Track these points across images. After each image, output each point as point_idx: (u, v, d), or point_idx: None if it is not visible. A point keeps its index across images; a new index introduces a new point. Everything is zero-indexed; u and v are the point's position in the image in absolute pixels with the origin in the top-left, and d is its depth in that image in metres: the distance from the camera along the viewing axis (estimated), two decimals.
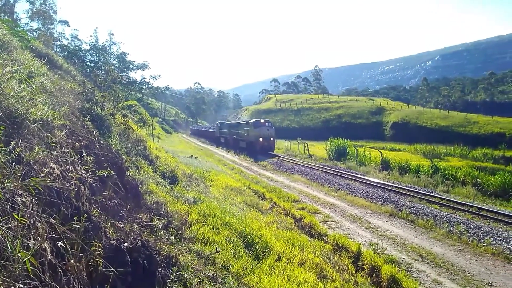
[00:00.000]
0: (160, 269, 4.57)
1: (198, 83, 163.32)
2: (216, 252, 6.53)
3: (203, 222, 8.04)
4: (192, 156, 27.36)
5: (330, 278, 7.83)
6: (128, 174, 7.71)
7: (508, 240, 12.32)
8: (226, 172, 22.25)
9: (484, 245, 12.33)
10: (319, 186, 22.53)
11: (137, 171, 9.82)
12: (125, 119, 12.94)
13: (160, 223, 6.39)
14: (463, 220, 14.49)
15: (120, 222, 4.97)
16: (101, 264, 3.50)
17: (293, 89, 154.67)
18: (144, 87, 57.44)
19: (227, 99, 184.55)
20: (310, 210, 16.13)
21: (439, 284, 9.36)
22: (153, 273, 4.26)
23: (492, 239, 12.66)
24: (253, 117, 75.70)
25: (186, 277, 5.02)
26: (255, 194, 16.55)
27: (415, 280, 9.41)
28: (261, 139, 41.28)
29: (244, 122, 47.40)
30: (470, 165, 33.06)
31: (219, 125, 62.58)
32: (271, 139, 42.31)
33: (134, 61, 54.39)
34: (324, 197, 19.58)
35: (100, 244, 3.65)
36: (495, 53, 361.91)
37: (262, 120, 45.10)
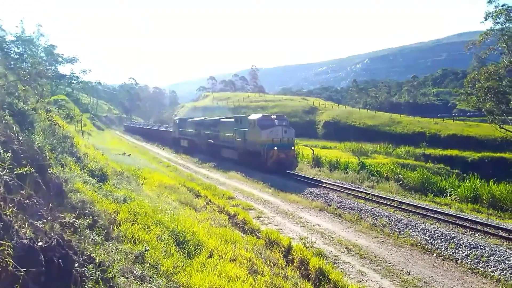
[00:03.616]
0: (78, 268, 4.45)
1: (133, 79, 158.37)
2: (145, 251, 6.43)
3: (133, 221, 7.88)
4: (125, 153, 26.57)
5: (261, 272, 8.01)
6: (51, 172, 7.34)
7: (425, 232, 13.30)
8: (160, 170, 21.88)
9: (404, 237, 13.23)
10: (254, 183, 22.84)
11: (62, 168, 9.39)
12: (49, 114, 12.27)
13: (85, 222, 6.17)
14: (385, 214, 15.42)
15: (39, 221, 4.75)
16: (11, 264, 3.35)
17: (230, 87, 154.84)
18: (73, 81, 54.78)
19: (163, 96, 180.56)
20: (244, 207, 16.33)
21: (363, 274, 9.92)
22: (69, 272, 4.14)
23: (411, 231, 13.60)
24: (189, 114, 73.15)
25: (111, 277, 4.91)
26: (189, 191, 16.46)
27: (341, 271, 9.90)
28: (275, 149, 25.31)
29: (234, 119, 31.42)
30: (394, 162, 35.24)
31: (178, 122, 47.76)
32: (292, 148, 26.75)
33: (63, 54, 51.73)
34: (259, 193, 19.90)
35: (10, 244, 3.49)
36: (418, 58, 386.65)
37: (273, 116, 28.12)
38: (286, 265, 9.61)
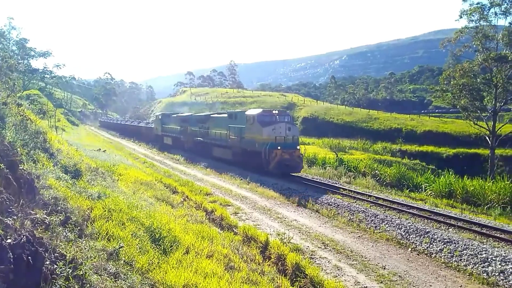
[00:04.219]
0: (49, 265, 4.35)
1: (109, 74, 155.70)
2: (119, 248, 6.33)
3: (108, 218, 7.74)
4: (100, 149, 26.08)
5: (238, 268, 8.00)
6: (22, 168, 7.14)
7: (400, 227, 13.52)
8: (136, 166, 21.58)
9: (380, 232, 13.43)
10: (232, 179, 22.80)
11: (34, 165, 9.15)
12: (20, 109, 11.91)
13: (57, 219, 6.02)
14: (362, 209, 15.62)
15: (9, 218, 4.61)
16: None
17: (208, 82, 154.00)
18: (47, 76, 53.50)
19: (139, 91, 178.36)
20: (222, 203, 16.28)
21: (339, 269, 10.01)
22: (39, 269, 4.06)
23: (387, 226, 13.81)
24: (167, 110, 72.20)
25: (84, 274, 4.81)
26: (166, 188, 16.30)
27: (318, 266, 9.98)
28: (279, 148, 22.62)
29: (227, 115, 28.75)
30: (371, 158, 35.73)
31: (161, 118, 45.27)
32: (298, 148, 23.79)
33: (35, 48, 50.37)
34: (236, 189, 19.87)
35: None
36: (395, 55, 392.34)
37: (274, 111, 24.92)
38: (263, 260, 9.62)
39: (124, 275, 5.63)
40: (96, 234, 6.84)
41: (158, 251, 7.22)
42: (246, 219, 14.41)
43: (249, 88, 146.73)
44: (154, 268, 6.35)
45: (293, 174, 23.47)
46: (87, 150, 21.58)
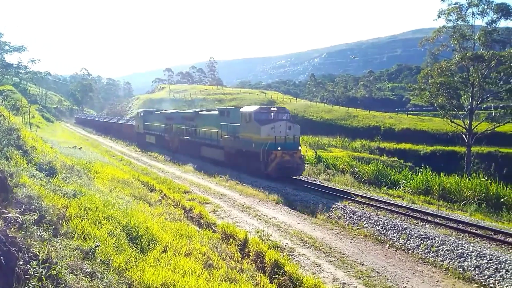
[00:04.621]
0: (22, 265, 4.25)
1: (85, 69, 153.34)
2: (96, 247, 6.21)
3: (84, 216, 7.59)
4: (76, 146, 25.57)
5: (216, 266, 7.94)
6: None
7: (378, 223, 13.70)
8: (113, 164, 21.25)
9: (358, 228, 13.57)
10: (211, 177, 22.69)
11: (7, 162, 8.91)
12: None
13: (31, 218, 5.86)
14: (340, 206, 15.75)
15: None
16: None
17: (187, 79, 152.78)
18: (21, 71, 52.18)
19: (117, 87, 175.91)
20: (200, 201, 16.18)
21: (317, 266, 10.06)
22: (12, 270, 3.96)
23: (365, 222, 13.97)
24: (145, 107, 71.17)
25: (58, 274, 4.69)
26: (144, 186, 16.11)
27: (297, 263, 10.00)
28: (279, 149, 20.97)
29: (218, 112, 27.17)
30: (349, 155, 36.12)
31: (142, 115, 42.89)
32: (299, 149, 22.24)
33: (10, 43, 49.03)
34: (215, 187, 19.78)
35: None
36: (374, 54, 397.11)
37: (273, 108, 23.88)
38: (242, 258, 9.59)
39: (100, 274, 5.54)
40: (72, 233, 6.70)
41: (135, 250, 7.12)
42: (225, 216, 14.35)
43: (228, 85, 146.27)
44: (131, 267, 6.26)
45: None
46: (62, 148, 21.15)
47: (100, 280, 5.39)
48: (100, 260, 5.99)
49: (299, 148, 22.21)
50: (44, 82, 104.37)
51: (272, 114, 22.43)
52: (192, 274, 6.80)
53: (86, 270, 5.45)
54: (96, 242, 6.38)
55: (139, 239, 7.66)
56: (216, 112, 27.49)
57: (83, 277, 5.18)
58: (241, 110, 23.64)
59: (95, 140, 45.37)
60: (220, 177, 22.17)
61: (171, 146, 34.12)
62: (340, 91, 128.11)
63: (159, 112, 40.35)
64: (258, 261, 9.62)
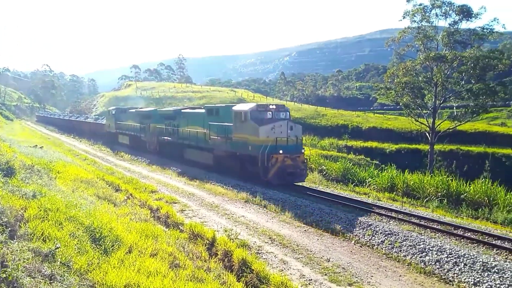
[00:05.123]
0: None
1: (47, 65, 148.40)
2: (56, 249, 6.01)
3: (44, 218, 7.35)
4: (36, 145, 24.72)
5: (183, 266, 7.85)
6: None
7: (344, 220, 13.90)
8: (76, 163, 20.68)
9: (324, 225, 13.71)
10: (179, 176, 22.44)
11: None
12: None
13: None
14: (308, 204, 15.89)
15: None
16: None
17: (155, 76, 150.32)
18: None
19: (81, 84, 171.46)
20: (168, 200, 15.98)
21: (285, 263, 10.12)
22: None
23: (332, 219, 14.14)
24: (110, 104, 69.09)
25: (10, 276, 4.52)
26: (109, 185, 15.73)
27: (264, 261, 10.02)
28: (280, 152, 18.86)
29: (205, 110, 24.93)
30: (318, 153, 36.52)
31: (114, 113, 40.22)
32: (302, 151, 20.25)
33: None
34: (183, 186, 19.58)
35: None
36: (342, 53, 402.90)
37: (271, 106, 21.00)
38: (209, 257, 9.53)
39: (60, 276, 5.38)
40: (30, 235, 6.49)
41: (98, 251, 6.96)
42: (193, 216, 14.22)
43: (198, 83, 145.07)
44: (94, 269, 6.12)
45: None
46: (22, 147, 20.44)
47: (60, 282, 5.23)
48: (60, 262, 5.80)
49: (303, 151, 20.28)
50: (2, 79, 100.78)
51: (271, 112, 20.21)
52: (157, 274, 6.69)
53: (45, 273, 5.28)
54: (56, 243, 6.18)
55: (102, 240, 7.48)
56: (203, 111, 25.30)
57: (41, 280, 5.03)
58: (234, 108, 21.39)
59: (58, 139, 44.06)
60: (187, 176, 21.96)
61: (149, 147, 31.85)
62: (309, 90, 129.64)
63: (133, 110, 37.65)
64: (226, 260, 9.58)
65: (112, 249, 7.30)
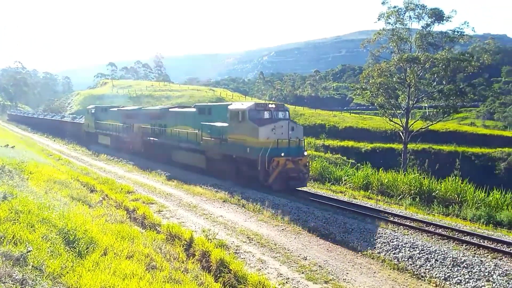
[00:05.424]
0: None
1: (19, 62, 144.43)
2: (27, 252, 5.87)
3: (15, 220, 7.18)
4: (8, 145, 24.02)
5: (160, 267, 7.78)
6: None
7: (321, 218, 14.06)
8: (50, 164, 20.22)
9: (302, 223, 13.83)
10: (156, 176, 22.22)
11: None
12: None
13: None
14: (286, 202, 15.99)
15: None
16: None
17: (132, 74, 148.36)
18: None
19: (55, 82, 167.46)
20: (144, 201, 15.79)
21: (262, 263, 10.17)
22: None
23: (309, 218, 14.27)
24: (86, 102, 67.57)
25: None
26: (84, 186, 15.46)
27: (242, 261, 10.05)
28: (282, 155, 17.75)
29: (196, 109, 23.62)
30: None
31: (94, 111, 38.54)
32: (305, 154, 19.18)
33: None
34: (161, 186, 19.40)
35: None
36: (320, 53, 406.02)
37: (271, 105, 20.30)
38: (187, 258, 9.47)
39: (32, 281, 5.26)
40: (1, 238, 6.32)
41: (72, 254, 6.83)
42: (171, 217, 14.11)
43: (176, 82, 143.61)
44: (68, 272, 6.00)
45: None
46: None
47: (31, 287, 5.12)
48: (32, 266, 5.68)
49: (305, 153, 19.10)
50: None
51: (270, 112, 18.95)
52: (133, 276, 6.62)
53: (16, 277, 5.15)
54: (28, 247, 6.04)
55: (76, 242, 7.35)
56: (193, 110, 23.75)
57: (12, 285, 4.92)
58: (230, 107, 19.93)
59: (31, 138, 42.99)
60: (165, 176, 21.75)
61: (132, 148, 30.24)
62: (288, 89, 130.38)
63: (116, 109, 35.86)
64: (204, 261, 9.55)
65: (86, 251, 7.20)
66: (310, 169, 20.19)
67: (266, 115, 18.75)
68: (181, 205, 15.90)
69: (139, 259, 7.76)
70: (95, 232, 8.26)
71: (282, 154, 17.66)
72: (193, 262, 9.25)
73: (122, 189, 17.47)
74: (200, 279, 8.02)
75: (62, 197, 11.20)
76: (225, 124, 19.78)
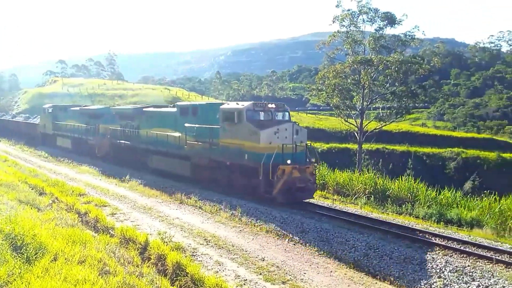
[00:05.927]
0: None
1: None
2: None
3: None
4: None
5: (114, 272, 7.55)
6: None
7: (278, 218, 14.15)
8: None
9: (260, 224, 13.87)
10: (110, 178, 21.58)
11: None
12: None
13: None
14: (244, 203, 15.95)
15: None
16: None
17: (84, 72, 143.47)
18: None
19: (1, 80, 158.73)
20: (97, 204, 15.29)
21: (220, 265, 10.10)
22: None
23: (267, 218, 14.33)
24: (35, 101, 64.03)
25: None
26: (32, 189, 14.77)
27: (199, 263, 9.93)
28: (288, 162, 15.54)
29: (178, 109, 21.10)
30: None
31: (52, 111, 35.02)
32: (312, 161, 17.42)
33: None
34: (114, 188, 18.88)
35: None
36: (276, 54, 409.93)
37: (270, 104, 17.32)
38: (142, 262, 9.25)
39: None
40: None
41: (20, 260, 6.58)
42: (125, 219, 13.75)
43: (130, 81, 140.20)
44: (15, 279, 5.77)
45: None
46: None
47: None
48: None
49: (312, 160, 17.30)
50: None
51: (271, 112, 16.79)
52: (85, 282, 6.40)
53: None
54: None
55: (24, 248, 7.07)
56: (174, 109, 21.34)
57: None
58: (223, 107, 17.72)
59: None
60: (119, 178, 21.16)
61: (98, 152, 27.35)
62: (245, 89, 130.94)
63: (77, 108, 33.00)
64: (160, 264, 9.36)
65: (35, 257, 6.93)
66: (316, 176, 17.59)
67: (266, 116, 16.71)
68: (135, 208, 15.53)
69: (92, 264, 7.51)
70: (45, 236, 7.94)
71: (288, 161, 15.50)
72: (149, 266, 9.05)
73: (73, 191, 16.83)
74: (156, 283, 7.86)
75: (8, 201, 10.65)
76: (216, 126, 17.64)
